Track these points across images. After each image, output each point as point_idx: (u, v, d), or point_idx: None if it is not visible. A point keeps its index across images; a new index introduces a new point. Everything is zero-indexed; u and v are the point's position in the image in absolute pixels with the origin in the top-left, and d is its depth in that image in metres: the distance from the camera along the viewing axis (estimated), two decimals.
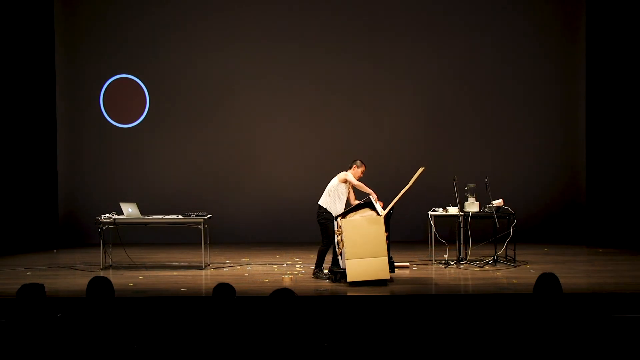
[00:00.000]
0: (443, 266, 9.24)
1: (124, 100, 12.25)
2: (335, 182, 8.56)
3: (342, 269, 8.16)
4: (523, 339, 4.38)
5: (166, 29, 12.21)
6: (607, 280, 8.14)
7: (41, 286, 4.54)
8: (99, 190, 12.12)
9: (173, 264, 9.78)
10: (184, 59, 12.23)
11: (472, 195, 9.53)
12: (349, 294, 7.55)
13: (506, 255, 9.54)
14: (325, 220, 8.50)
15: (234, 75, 12.23)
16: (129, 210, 9.31)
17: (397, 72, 12.16)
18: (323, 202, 8.55)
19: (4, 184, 11.49)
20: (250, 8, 12.19)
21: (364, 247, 7.93)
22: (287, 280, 8.29)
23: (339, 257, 8.25)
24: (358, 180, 8.56)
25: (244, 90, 12.24)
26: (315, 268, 8.55)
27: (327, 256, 8.62)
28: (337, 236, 8.25)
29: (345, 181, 8.51)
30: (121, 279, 8.38)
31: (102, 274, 8.89)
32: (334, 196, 8.51)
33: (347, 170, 8.60)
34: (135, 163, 12.31)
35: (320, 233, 8.55)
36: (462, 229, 9.37)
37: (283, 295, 4.21)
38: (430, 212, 9.62)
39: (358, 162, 8.65)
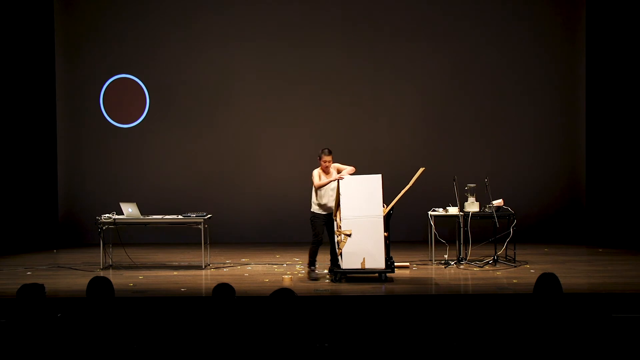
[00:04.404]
0: (443, 266, 9.24)
1: (124, 100, 12.25)
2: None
3: (341, 269, 8.16)
4: (523, 339, 4.38)
5: (166, 29, 12.21)
6: (607, 280, 8.14)
7: (41, 286, 4.54)
8: (99, 190, 12.12)
9: (173, 264, 9.78)
10: (184, 59, 12.24)
11: (472, 195, 9.53)
12: (348, 294, 7.55)
13: (506, 255, 9.54)
14: (312, 218, 8.52)
15: (234, 75, 12.23)
16: (129, 210, 9.31)
17: (397, 72, 12.16)
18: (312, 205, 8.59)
19: (4, 184, 11.50)
20: (250, 8, 12.19)
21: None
22: (287, 280, 8.29)
23: (339, 257, 8.24)
24: (325, 169, 8.41)
25: (244, 90, 12.24)
26: (308, 267, 8.57)
27: (326, 256, 8.66)
28: (337, 236, 8.25)
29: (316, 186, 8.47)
30: (121, 279, 8.38)
31: (102, 274, 8.89)
32: (315, 197, 8.51)
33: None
34: (135, 163, 12.31)
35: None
36: (462, 229, 9.37)
37: (283, 295, 4.21)
38: (430, 212, 9.62)
39: (320, 153, 8.47)
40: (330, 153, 8.41)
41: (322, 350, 4.81)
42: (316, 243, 8.48)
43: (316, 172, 8.46)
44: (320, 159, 8.43)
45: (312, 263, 8.51)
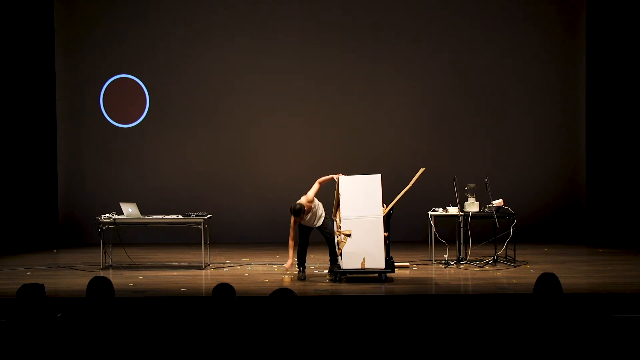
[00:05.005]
0: (443, 266, 9.24)
1: (124, 100, 12.25)
2: None
3: (341, 269, 8.17)
4: (523, 339, 4.39)
5: (166, 29, 12.21)
6: (607, 280, 8.14)
7: (41, 286, 4.54)
8: (99, 190, 12.12)
9: (173, 264, 9.78)
10: (184, 59, 12.24)
11: (472, 195, 9.53)
12: (348, 294, 7.55)
13: (506, 255, 9.54)
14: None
15: (234, 75, 12.23)
16: (129, 210, 9.31)
17: (397, 72, 12.16)
18: None
19: (5, 184, 11.50)
20: (250, 8, 12.19)
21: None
22: (287, 280, 8.30)
23: (339, 257, 8.25)
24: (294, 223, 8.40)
25: (244, 90, 12.24)
26: (297, 267, 8.61)
27: (325, 256, 8.71)
28: (337, 236, 8.26)
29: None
30: (121, 279, 8.38)
31: (102, 274, 8.89)
32: None
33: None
34: (135, 163, 12.31)
35: None
36: (462, 229, 9.37)
37: (283, 295, 4.21)
38: (430, 212, 9.62)
39: (290, 214, 8.36)
40: (298, 213, 8.25)
41: (322, 350, 4.81)
42: (301, 246, 8.50)
43: (292, 218, 8.39)
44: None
45: (299, 264, 8.54)
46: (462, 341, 5.43)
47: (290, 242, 8.45)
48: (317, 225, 8.49)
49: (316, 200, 8.47)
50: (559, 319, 4.38)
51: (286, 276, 8.45)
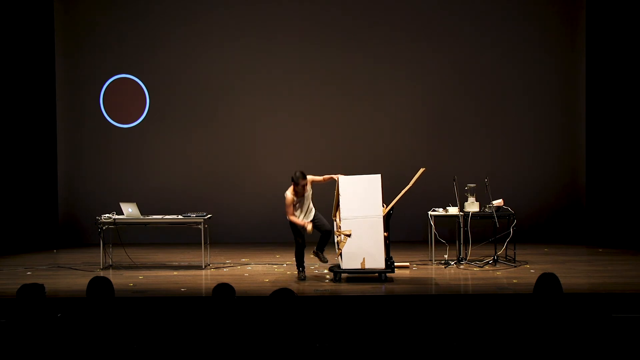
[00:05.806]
0: (443, 266, 9.24)
1: (124, 100, 12.25)
2: None
3: (341, 269, 8.17)
4: (523, 339, 4.39)
5: (166, 29, 12.21)
6: (607, 280, 8.14)
7: (41, 286, 4.55)
8: (99, 190, 12.12)
9: (173, 264, 9.78)
10: (184, 59, 12.24)
11: (472, 195, 9.53)
12: (348, 294, 7.55)
13: (506, 255, 9.54)
14: (290, 223, 8.46)
15: (234, 75, 12.23)
16: (129, 210, 9.31)
17: (397, 72, 12.16)
18: None
19: (5, 184, 11.50)
20: (250, 8, 12.19)
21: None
22: (310, 228, 8.19)
23: (339, 258, 8.25)
24: (296, 195, 8.28)
25: (244, 90, 12.24)
26: (297, 268, 8.59)
27: (330, 256, 8.69)
28: (337, 237, 8.26)
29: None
30: (121, 279, 8.38)
31: (102, 274, 8.89)
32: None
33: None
34: (135, 163, 12.31)
35: None
36: (462, 229, 9.37)
37: (283, 295, 4.21)
38: (430, 212, 9.62)
39: (296, 179, 8.22)
40: (304, 176, 8.21)
41: (322, 350, 4.81)
42: (298, 246, 8.47)
43: (289, 196, 8.29)
44: (296, 184, 8.21)
45: (298, 264, 8.54)
46: (462, 341, 5.43)
47: (292, 217, 8.28)
48: (309, 219, 8.42)
49: (310, 188, 8.41)
50: (559, 319, 4.38)
51: (308, 227, 8.28)
